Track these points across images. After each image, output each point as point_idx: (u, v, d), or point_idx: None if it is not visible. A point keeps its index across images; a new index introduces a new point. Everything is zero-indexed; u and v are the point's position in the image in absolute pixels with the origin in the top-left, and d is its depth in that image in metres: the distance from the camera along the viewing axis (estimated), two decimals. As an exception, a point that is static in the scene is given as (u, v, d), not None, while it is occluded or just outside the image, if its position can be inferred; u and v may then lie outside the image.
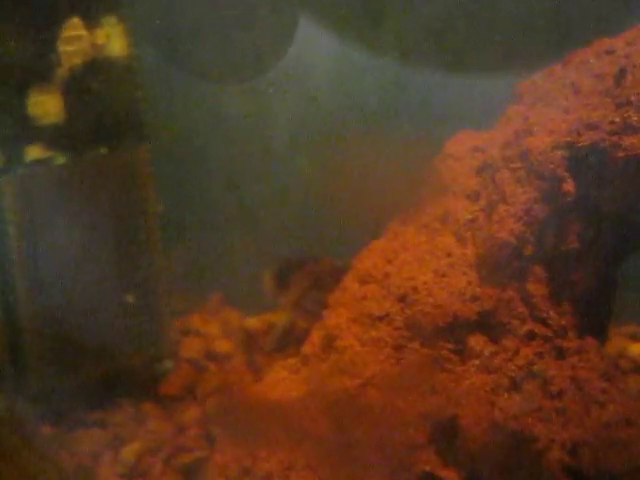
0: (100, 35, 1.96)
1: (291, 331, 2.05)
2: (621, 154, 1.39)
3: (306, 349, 1.54)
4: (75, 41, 1.94)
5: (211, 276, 2.45)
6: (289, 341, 2.04)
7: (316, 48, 2.25)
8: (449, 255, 1.47)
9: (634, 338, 2.39)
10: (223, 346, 2.31)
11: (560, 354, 1.40)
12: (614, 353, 2.35)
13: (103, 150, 1.97)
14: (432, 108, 2.17)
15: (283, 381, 1.52)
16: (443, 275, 1.45)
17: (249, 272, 2.26)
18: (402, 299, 1.46)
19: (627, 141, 1.39)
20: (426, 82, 2.18)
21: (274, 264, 1.96)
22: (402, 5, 2.16)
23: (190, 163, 2.37)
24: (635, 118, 1.40)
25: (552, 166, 1.42)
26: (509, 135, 1.52)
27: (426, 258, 1.47)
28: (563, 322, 1.41)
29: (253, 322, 2.41)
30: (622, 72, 1.43)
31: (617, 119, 1.41)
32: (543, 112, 1.51)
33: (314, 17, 2.19)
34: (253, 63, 2.28)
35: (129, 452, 1.86)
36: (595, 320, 1.51)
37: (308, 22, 2.21)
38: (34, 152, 1.91)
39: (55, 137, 1.94)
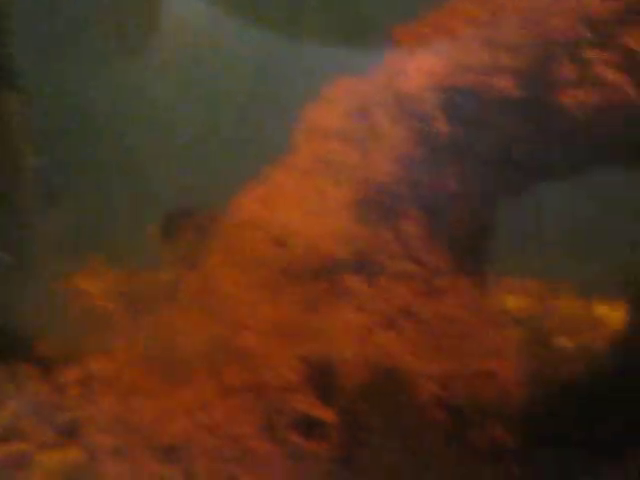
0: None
1: (177, 284, 2.01)
2: (493, 95, 1.41)
3: (184, 296, 1.50)
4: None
5: (93, 235, 2.39)
6: (169, 294, 2.00)
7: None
8: (324, 197, 1.45)
9: (512, 291, 2.46)
10: (105, 305, 2.25)
11: (434, 293, 1.41)
12: (497, 303, 2.41)
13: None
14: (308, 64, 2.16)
15: (161, 330, 1.48)
16: (318, 217, 1.44)
17: (133, 230, 2.22)
18: (277, 243, 1.44)
19: (499, 82, 1.40)
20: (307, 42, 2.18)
21: (159, 219, 1.92)
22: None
23: (74, 121, 2.30)
24: (506, 60, 1.42)
25: (426, 107, 1.42)
26: (385, 78, 1.52)
27: (301, 201, 1.46)
28: (437, 262, 1.42)
29: (136, 280, 2.36)
30: (496, 16, 1.44)
31: (489, 61, 1.42)
32: (419, 56, 1.51)
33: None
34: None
35: (5, 413, 1.79)
36: (470, 261, 1.53)
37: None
38: None
39: None
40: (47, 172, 2.05)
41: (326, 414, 1.37)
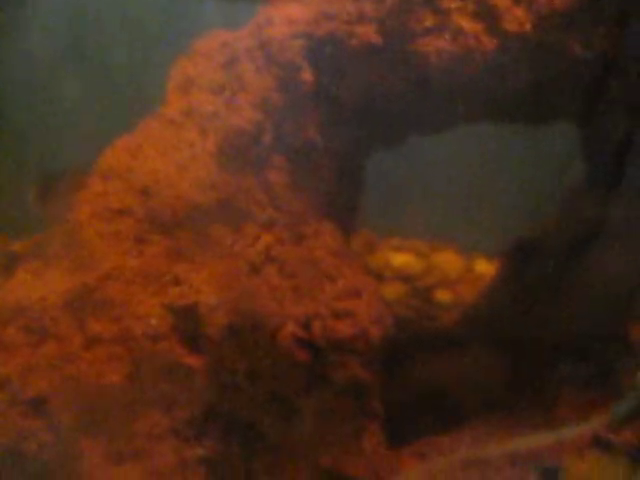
0: None
1: (43, 243, 1.97)
2: (355, 42, 1.42)
3: (50, 249, 1.48)
4: None
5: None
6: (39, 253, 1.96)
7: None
8: (191, 147, 1.45)
9: (398, 250, 2.51)
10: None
11: (298, 238, 1.43)
12: (380, 263, 2.46)
13: None
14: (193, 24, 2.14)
15: (25, 284, 1.45)
16: (184, 167, 1.43)
17: (13, 194, 2.15)
18: (143, 192, 1.43)
19: (360, 30, 1.42)
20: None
21: (36, 179, 1.88)
22: None
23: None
24: (368, 9, 1.43)
25: (290, 55, 1.43)
26: (253, 29, 1.52)
27: (169, 152, 1.45)
28: (302, 208, 1.44)
29: (17, 245, 2.30)
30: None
31: (352, 10, 1.44)
32: (285, 7, 1.51)
33: None
34: None
35: None
36: (339, 210, 1.55)
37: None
38: None
39: None
40: None
41: (193, 360, 1.38)
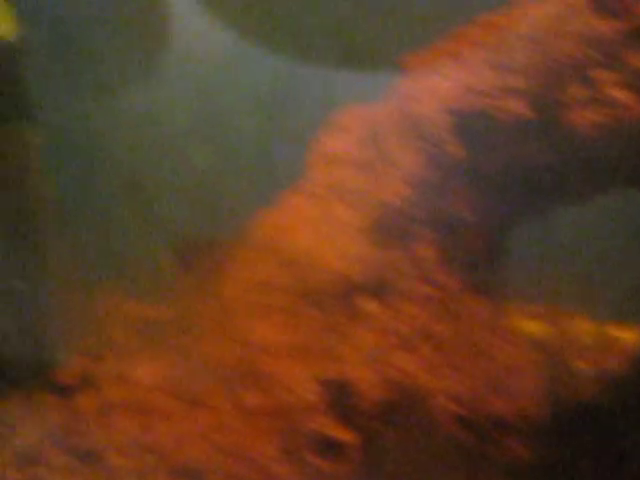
0: (-18, 14, 1.89)
1: (190, 313, 2.03)
2: (505, 117, 1.43)
3: (203, 323, 1.52)
4: (-46, 19, 1.87)
5: (108, 265, 2.40)
6: (187, 324, 2.02)
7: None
8: (339, 222, 1.47)
9: (529, 316, 2.47)
10: (121, 335, 2.26)
11: (452, 315, 1.42)
12: (512, 328, 2.41)
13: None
14: (324, 95, 2.19)
15: (179, 355, 1.49)
16: (334, 241, 1.45)
17: (147, 260, 2.23)
18: (293, 266, 1.45)
19: (510, 105, 1.43)
20: (318, 71, 2.20)
21: (174, 248, 1.95)
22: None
23: (85, 149, 2.33)
24: (517, 83, 1.44)
25: (439, 130, 1.44)
26: (397, 103, 1.54)
27: (316, 225, 1.48)
28: (453, 283, 1.43)
29: (150, 310, 2.37)
30: (505, 40, 1.47)
31: (500, 84, 1.45)
32: (429, 81, 1.54)
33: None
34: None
35: (22, 439, 1.80)
36: (486, 284, 1.54)
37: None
38: None
39: None
40: (60, 202, 2.07)
41: (344, 435, 1.38)
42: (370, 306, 1.42)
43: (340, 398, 1.37)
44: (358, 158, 1.52)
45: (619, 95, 1.42)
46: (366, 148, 1.52)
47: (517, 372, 1.36)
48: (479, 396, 1.33)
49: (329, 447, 1.37)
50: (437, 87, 1.49)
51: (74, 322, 2.20)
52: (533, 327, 2.35)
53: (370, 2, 2.14)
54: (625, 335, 2.29)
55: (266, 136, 2.22)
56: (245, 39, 2.21)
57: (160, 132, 2.40)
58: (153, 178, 2.41)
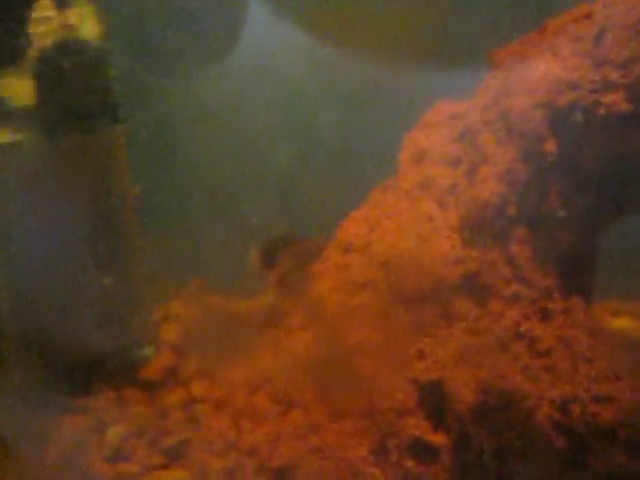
0: (71, 16, 1.92)
1: (276, 310, 2.03)
2: (601, 112, 1.38)
3: (292, 321, 1.52)
4: (46, 22, 1.91)
5: (193, 261, 2.43)
6: (274, 320, 2.02)
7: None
8: (431, 220, 1.45)
9: (616, 313, 2.40)
10: (206, 331, 2.28)
11: (546, 315, 1.39)
12: (599, 325, 2.34)
13: (76, 133, 1.93)
14: (408, 90, 2.17)
15: (267, 355, 1.50)
16: (426, 240, 1.44)
17: (231, 257, 2.25)
18: (385, 266, 1.44)
19: (607, 98, 1.38)
20: (403, 65, 2.17)
21: (260, 243, 1.95)
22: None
23: (168, 147, 2.36)
24: (615, 76, 1.39)
25: (533, 125, 1.41)
26: (488, 99, 1.51)
27: (408, 225, 1.46)
28: (548, 283, 1.40)
29: (235, 306, 2.38)
30: (601, 32, 1.42)
31: (597, 77, 1.40)
32: (522, 75, 1.50)
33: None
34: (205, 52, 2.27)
35: (113, 436, 1.84)
36: (579, 282, 1.50)
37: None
38: (5, 135, 1.87)
39: (27, 120, 1.90)
40: (146, 200, 2.10)
41: (436, 437, 1.36)
42: (464, 306, 1.40)
43: (433, 400, 1.36)
44: (451, 155, 1.50)
45: None
46: (458, 145, 1.50)
47: (618, 378, 1.31)
48: (581, 403, 1.29)
49: (420, 449, 1.36)
50: (530, 81, 1.45)
51: (160, 318, 2.23)
52: (622, 324, 2.28)
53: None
54: None
55: (351, 132, 2.20)
56: (327, 33, 2.20)
57: (242, 128, 2.40)
58: (236, 174, 2.42)
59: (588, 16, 1.48)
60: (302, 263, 1.77)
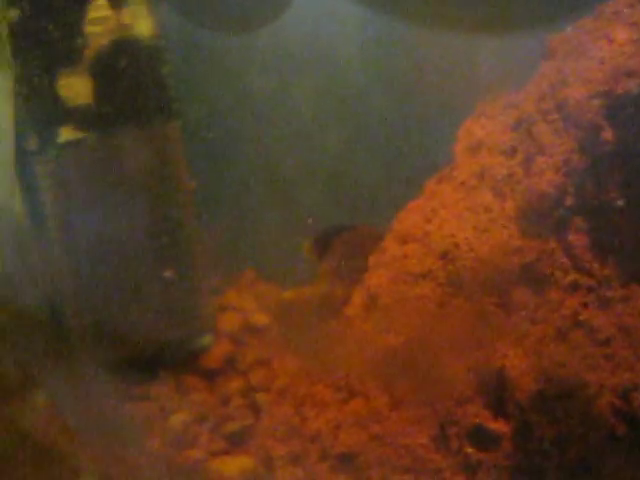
0: (126, 15, 1.96)
1: (330, 299, 2.06)
2: (660, 100, 1.38)
3: (349, 310, 1.55)
4: (101, 22, 1.95)
5: (246, 251, 2.46)
6: (328, 309, 2.05)
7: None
8: (488, 210, 1.47)
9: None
10: (261, 319, 2.32)
11: (605, 303, 1.40)
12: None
13: (134, 129, 1.98)
14: (462, 70, 2.14)
15: (328, 343, 1.53)
16: (483, 230, 1.45)
17: (283, 247, 2.27)
18: (443, 256, 1.46)
19: (665, 87, 1.37)
20: (454, 44, 2.13)
21: (314, 232, 1.98)
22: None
23: (221, 140, 2.37)
24: (673, 64, 1.39)
25: (590, 115, 1.41)
26: (544, 89, 1.51)
27: (465, 215, 1.47)
28: (606, 272, 1.41)
29: (289, 294, 2.41)
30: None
31: (656, 65, 1.39)
32: (577, 64, 1.50)
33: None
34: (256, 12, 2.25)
35: (176, 422, 1.89)
36: (638, 269, 1.50)
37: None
38: (66, 133, 1.93)
39: (86, 118, 1.95)
40: (203, 192, 2.13)
41: (497, 425, 1.38)
42: (523, 296, 1.41)
43: (494, 388, 1.38)
44: (507, 145, 1.50)
45: None
46: (514, 135, 1.50)
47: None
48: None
49: (481, 436, 1.38)
50: (586, 70, 1.45)
51: (216, 308, 2.27)
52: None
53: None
54: None
55: (402, 120, 2.19)
56: (378, 17, 2.18)
57: (292, 115, 2.40)
58: (287, 163, 2.43)
59: (645, 2, 1.47)
60: (357, 252, 1.79)
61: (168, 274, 2.04)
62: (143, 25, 2.00)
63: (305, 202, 2.41)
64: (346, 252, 1.93)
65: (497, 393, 1.38)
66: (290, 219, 2.41)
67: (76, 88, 1.94)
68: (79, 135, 1.94)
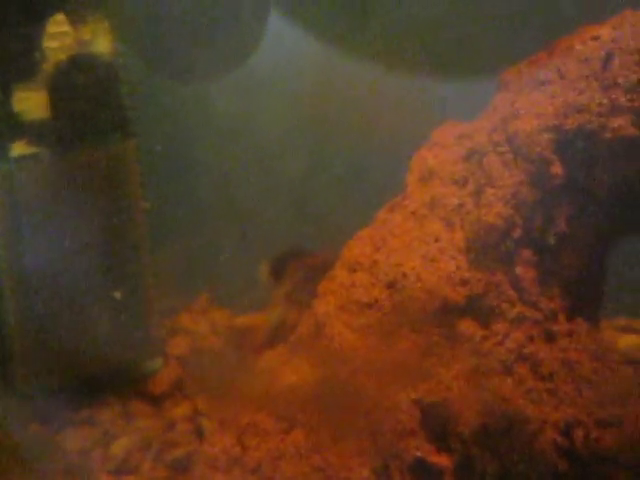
0: (85, 31, 1.95)
1: (283, 325, 2.04)
2: (608, 135, 1.39)
3: (295, 338, 1.53)
4: (60, 37, 1.93)
5: (200, 274, 2.44)
6: (280, 334, 2.03)
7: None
8: (437, 240, 1.46)
9: (625, 330, 2.39)
10: (212, 344, 2.29)
11: (550, 337, 1.39)
12: (608, 343, 2.33)
13: (89, 146, 1.95)
14: (418, 106, 2.17)
15: (272, 371, 1.50)
16: (432, 260, 1.44)
17: (238, 270, 2.26)
18: (391, 285, 1.45)
19: (614, 122, 1.38)
20: (412, 81, 2.17)
21: (269, 257, 1.96)
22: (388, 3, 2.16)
23: (178, 160, 2.37)
24: (623, 99, 1.40)
25: (539, 149, 1.41)
26: (496, 121, 1.52)
27: (414, 244, 1.46)
28: (553, 305, 1.40)
29: (243, 319, 2.39)
30: (609, 55, 1.43)
31: (604, 101, 1.41)
32: (529, 97, 1.51)
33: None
34: (220, 60, 2.28)
35: (118, 448, 1.84)
36: (585, 304, 1.50)
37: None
38: (20, 148, 1.90)
39: (41, 133, 1.92)
40: (158, 213, 2.11)
41: (440, 459, 1.36)
42: (469, 328, 1.40)
43: (437, 421, 1.36)
44: (458, 175, 1.50)
45: None
46: (466, 165, 1.50)
47: (622, 401, 1.31)
48: (584, 427, 1.29)
49: (423, 470, 1.36)
50: (537, 104, 1.46)
51: (167, 331, 2.24)
52: (630, 342, 2.27)
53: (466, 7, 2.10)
54: None
55: (361, 149, 2.20)
56: (338, 50, 2.21)
57: (253, 140, 2.40)
58: (247, 188, 2.42)
59: (596, 38, 1.49)
60: (311, 278, 1.78)
61: (117, 295, 2.01)
62: (102, 42, 1.98)
63: (263, 226, 2.40)
64: (301, 277, 1.91)
65: (440, 426, 1.36)
66: (248, 243, 2.40)
67: (32, 102, 1.91)
68: (33, 150, 1.91)
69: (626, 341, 2.33)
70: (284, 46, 2.31)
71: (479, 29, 2.11)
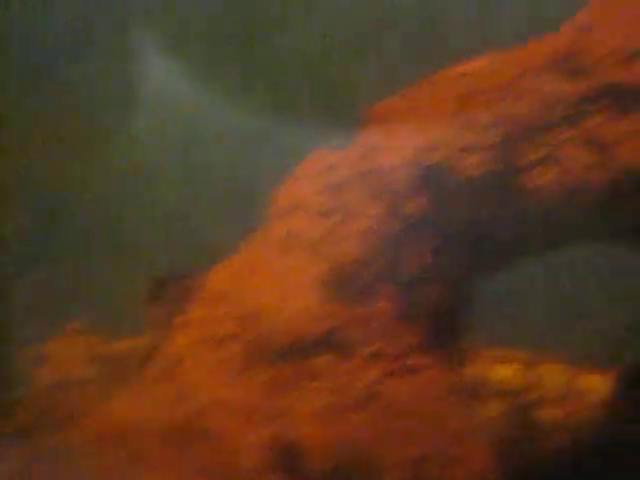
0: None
1: (155, 350, 1.99)
2: (465, 171, 1.40)
3: (152, 372, 1.48)
4: None
5: (73, 300, 2.36)
6: (151, 361, 1.98)
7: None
8: (299, 273, 1.44)
9: (501, 361, 2.43)
10: (81, 372, 2.21)
11: (410, 372, 1.39)
12: (477, 376, 2.37)
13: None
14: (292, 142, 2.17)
15: (131, 406, 1.45)
16: (291, 293, 1.42)
17: (112, 296, 2.20)
18: (248, 319, 1.42)
19: (469, 160, 1.40)
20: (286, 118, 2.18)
21: (146, 283, 1.91)
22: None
23: (59, 187, 2.32)
24: (475, 139, 1.42)
25: (400, 183, 1.42)
26: (360, 153, 1.52)
27: (275, 277, 1.44)
28: (412, 339, 1.40)
29: (115, 346, 2.32)
30: (465, 96, 1.46)
31: (461, 138, 1.42)
32: (393, 132, 1.51)
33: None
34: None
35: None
36: (447, 338, 1.51)
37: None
38: None
39: None
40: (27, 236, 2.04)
41: (295, 497, 1.34)
42: (324, 363, 1.38)
43: (289, 458, 1.33)
44: (322, 207, 1.49)
45: (574, 154, 1.40)
46: (328, 198, 1.49)
47: (472, 437, 1.31)
48: (431, 465, 1.28)
49: (278, 509, 1.33)
50: (400, 139, 1.47)
51: (36, 359, 2.15)
52: (503, 373, 2.30)
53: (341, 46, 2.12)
54: (596, 380, 2.25)
55: (232, 182, 2.20)
56: (213, 86, 2.21)
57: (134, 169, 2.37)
58: (123, 214, 2.38)
59: (459, 76, 1.51)
60: (188, 300, 1.73)
61: (-24, 322, 1.91)
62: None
63: (139, 250, 2.35)
64: (173, 303, 1.86)
65: (292, 465, 1.33)
66: (124, 267, 2.35)
67: None
68: None
69: (500, 372, 2.36)
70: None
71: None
